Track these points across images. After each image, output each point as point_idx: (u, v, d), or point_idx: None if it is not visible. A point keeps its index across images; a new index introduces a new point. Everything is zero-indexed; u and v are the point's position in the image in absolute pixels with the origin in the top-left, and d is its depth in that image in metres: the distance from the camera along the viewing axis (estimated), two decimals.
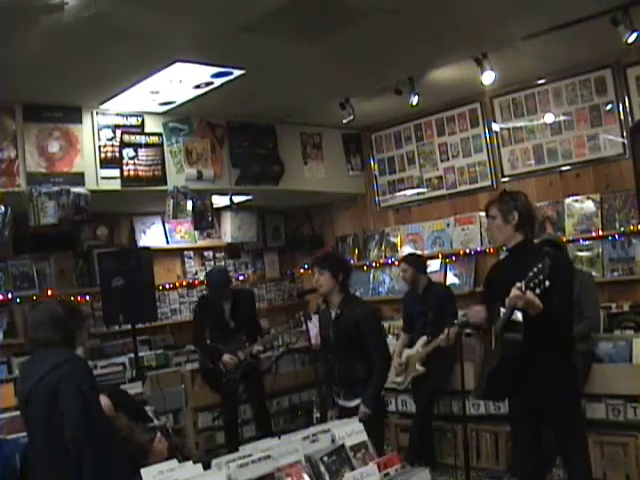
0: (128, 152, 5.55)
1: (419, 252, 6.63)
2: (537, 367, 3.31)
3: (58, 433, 2.49)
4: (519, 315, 3.22)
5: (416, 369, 5.42)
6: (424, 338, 5.42)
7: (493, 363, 3.41)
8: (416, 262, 5.69)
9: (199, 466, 2.17)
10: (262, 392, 5.98)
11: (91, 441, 2.47)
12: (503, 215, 3.48)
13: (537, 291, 3.10)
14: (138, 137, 5.65)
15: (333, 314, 4.25)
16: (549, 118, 5.94)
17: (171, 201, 5.82)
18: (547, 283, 3.08)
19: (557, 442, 3.56)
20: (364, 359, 4.12)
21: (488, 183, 6.41)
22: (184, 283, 7.27)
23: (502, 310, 3.29)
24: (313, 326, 5.74)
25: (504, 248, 3.70)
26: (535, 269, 3.09)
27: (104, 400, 3.18)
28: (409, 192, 7.05)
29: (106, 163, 5.46)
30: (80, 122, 5.35)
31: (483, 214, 6.32)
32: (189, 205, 5.99)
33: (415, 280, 5.61)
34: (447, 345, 5.18)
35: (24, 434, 2.93)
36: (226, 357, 5.63)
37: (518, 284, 3.12)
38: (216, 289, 5.88)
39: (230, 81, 5.05)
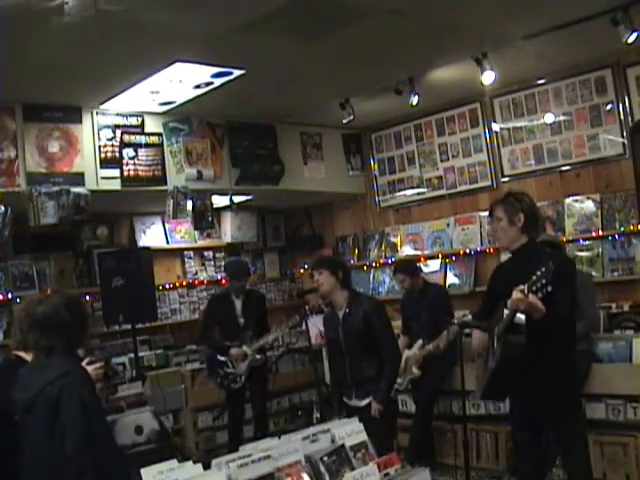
0: (128, 152, 5.55)
1: (414, 253, 6.64)
2: (539, 368, 3.31)
3: (59, 445, 2.47)
4: (522, 317, 3.22)
5: (413, 372, 5.42)
6: (419, 341, 5.42)
7: (494, 364, 3.41)
8: (409, 269, 5.67)
9: (199, 466, 2.17)
10: (265, 392, 5.99)
11: (93, 453, 2.45)
12: (509, 216, 3.43)
13: (539, 295, 3.09)
14: (138, 137, 5.65)
15: (340, 314, 4.24)
16: (549, 118, 5.94)
17: (171, 201, 5.82)
18: (549, 288, 3.06)
19: (557, 442, 3.56)
20: (374, 357, 4.12)
21: (488, 183, 6.41)
22: (184, 283, 7.26)
23: (505, 311, 3.29)
24: (313, 326, 5.75)
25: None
26: (539, 273, 3.07)
27: None
28: (409, 192, 7.05)
29: (106, 163, 5.46)
30: (80, 122, 5.36)
31: (483, 214, 6.37)
32: (189, 205, 5.99)
33: (414, 285, 5.62)
34: (437, 352, 5.11)
35: None
36: (233, 350, 5.66)
37: (521, 287, 3.11)
38: (236, 277, 5.86)
39: (230, 81, 5.05)
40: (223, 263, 7.57)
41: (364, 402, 4.13)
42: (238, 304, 5.86)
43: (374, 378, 4.11)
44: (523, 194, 3.61)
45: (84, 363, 3.17)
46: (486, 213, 6.21)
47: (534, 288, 3.08)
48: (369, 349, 4.12)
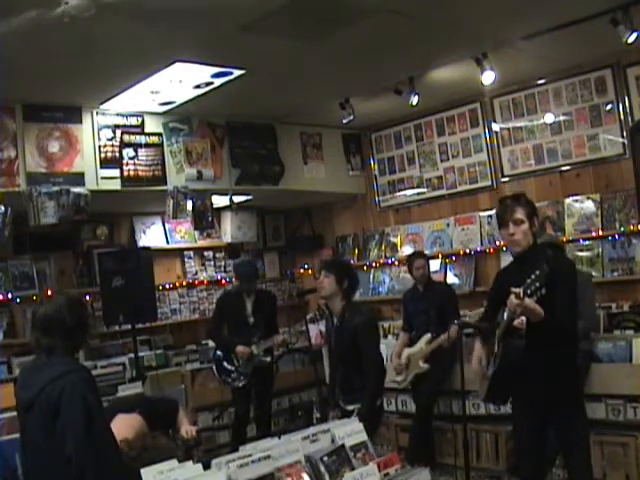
0: (128, 152, 5.55)
1: None
2: (541, 369, 3.30)
3: (59, 446, 2.46)
4: (523, 320, 3.21)
5: (419, 366, 5.42)
6: (428, 336, 5.41)
7: (495, 367, 3.40)
8: (427, 256, 5.77)
9: (199, 466, 2.17)
10: (270, 392, 5.99)
11: (94, 455, 2.44)
12: (530, 220, 3.40)
13: (534, 298, 3.08)
14: (138, 137, 5.65)
15: (335, 322, 4.26)
16: (549, 118, 5.94)
17: (171, 201, 5.82)
18: (543, 291, 3.05)
19: (559, 441, 3.55)
20: (361, 369, 4.13)
21: (488, 183, 6.42)
22: (184, 283, 7.27)
23: (505, 315, 3.28)
24: (314, 326, 5.75)
25: (504, 249, 3.65)
26: (532, 276, 3.06)
27: (138, 419, 3.15)
28: (409, 192, 7.06)
29: (106, 163, 5.46)
30: (80, 122, 5.36)
31: (483, 214, 6.37)
32: (189, 205, 5.99)
33: (426, 276, 5.64)
34: (450, 344, 5.19)
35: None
36: (240, 347, 5.67)
37: (516, 290, 3.10)
38: (246, 279, 5.87)
39: (230, 81, 5.05)
40: (223, 263, 7.59)
41: (350, 407, 4.15)
42: (249, 303, 5.87)
43: (360, 388, 4.11)
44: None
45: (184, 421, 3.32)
46: (486, 213, 6.31)
47: (528, 291, 3.07)
48: (357, 360, 4.13)
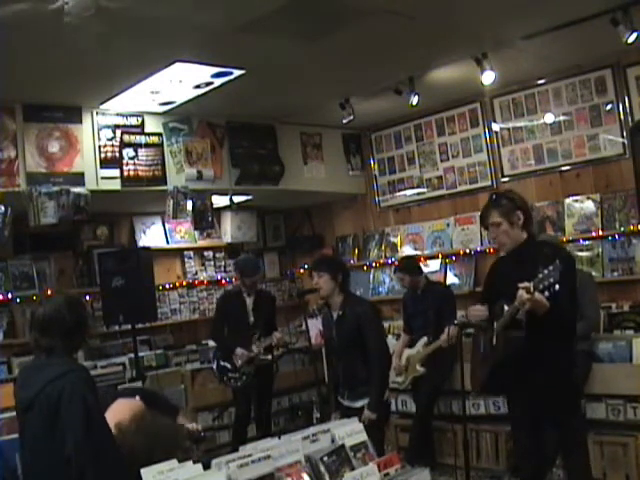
0: (128, 152, 5.55)
1: (414, 253, 6.64)
2: (539, 363, 3.30)
3: (59, 446, 2.46)
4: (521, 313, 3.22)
5: (416, 370, 5.43)
6: (424, 339, 5.42)
7: (495, 359, 3.40)
8: (410, 267, 5.67)
9: (199, 466, 2.17)
10: (271, 391, 5.99)
11: (93, 455, 2.44)
12: (507, 218, 3.39)
13: (546, 293, 3.07)
14: (138, 137, 5.65)
15: (335, 315, 4.25)
16: (549, 118, 5.94)
17: (171, 201, 5.82)
18: (557, 287, 3.04)
19: (558, 442, 3.56)
20: (366, 360, 4.12)
21: (488, 183, 6.41)
22: (184, 283, 7.26)
23: (505, 308, 3.28)
24: (313, 326, 5.75)
25: None
26: (545, 271, 3.05)
27: (138, 404, 3.14)
28: (409, 192, 7.05)
29: (106, 163, 5.46)
30: (80, 122, 5.36)
31: None
32: (189, 205, 5.99)
33: (414, 284, 5.62)
34: (448, 345, 5.19)
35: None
36: (238, 350, 5.62)
37: (526, 284, 3.09)
38: (247, 274, 5.82)
39: (230, 81, 5.05)
40: (223, 263, 7.59)
41: (358, 404, 4.13)
42: (249, 302, 5.86)
43: (364, 380, 4.11)
44: (511, 191, 3.61)
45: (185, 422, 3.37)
46: None
47: (541, 286, 3.06)
48: (361, 351, 4.13)
